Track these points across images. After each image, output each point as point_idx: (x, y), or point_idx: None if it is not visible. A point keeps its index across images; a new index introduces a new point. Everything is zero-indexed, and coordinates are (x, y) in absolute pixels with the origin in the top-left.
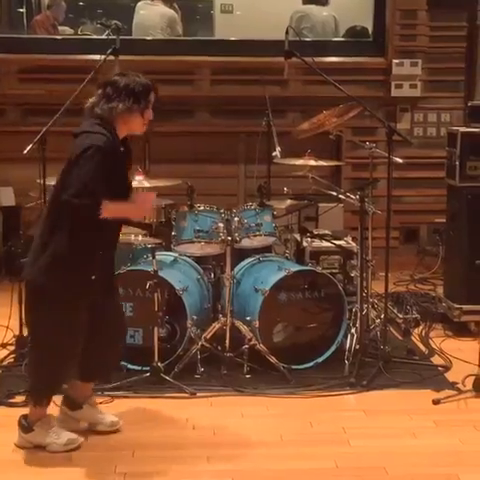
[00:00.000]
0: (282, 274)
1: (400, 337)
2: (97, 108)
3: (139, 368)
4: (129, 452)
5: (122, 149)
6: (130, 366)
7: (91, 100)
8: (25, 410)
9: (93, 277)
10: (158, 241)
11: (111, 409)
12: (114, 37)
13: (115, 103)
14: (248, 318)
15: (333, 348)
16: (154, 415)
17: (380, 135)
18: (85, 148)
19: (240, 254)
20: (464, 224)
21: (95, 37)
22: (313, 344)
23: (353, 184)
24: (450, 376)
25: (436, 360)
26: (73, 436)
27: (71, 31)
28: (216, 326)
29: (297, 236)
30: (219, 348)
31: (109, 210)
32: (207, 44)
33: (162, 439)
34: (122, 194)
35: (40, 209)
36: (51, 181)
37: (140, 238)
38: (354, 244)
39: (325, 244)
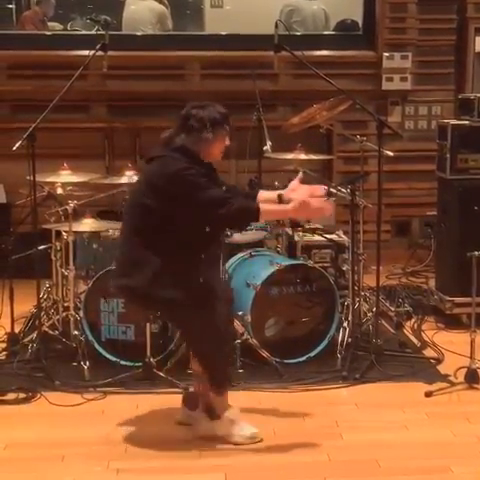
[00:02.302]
0: (274, 268)
1: (392, 330)
2: (178, 139)
3: (131, 364)
4: (122, 448)
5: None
6: (122, 362)
7: (169, 131)
8: (17, 407)
9: (201, 280)
10: None
11: (103, 405)
12: (103, 32)
13: (197, 134)
14: (240, 313)
15: (325, 342)
16: (146, 411)
17: (371, 128)
18: (180, 169)
19: (232, 249)
20: (455, 217)
21: (84, 32)
22: (305, 338)
23: (344, 178)
24: (442, 368)
25: (428, 353)
26: (255, 430)
27: (60, 27)
28: None
29: (288, 230)
30: None
31: (289, 212)
32: (197, 39)
33: (155, 435)
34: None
35: (31, 206)
36: (41, 177)
37: None
38: (345, 238)
39: (316, 238)
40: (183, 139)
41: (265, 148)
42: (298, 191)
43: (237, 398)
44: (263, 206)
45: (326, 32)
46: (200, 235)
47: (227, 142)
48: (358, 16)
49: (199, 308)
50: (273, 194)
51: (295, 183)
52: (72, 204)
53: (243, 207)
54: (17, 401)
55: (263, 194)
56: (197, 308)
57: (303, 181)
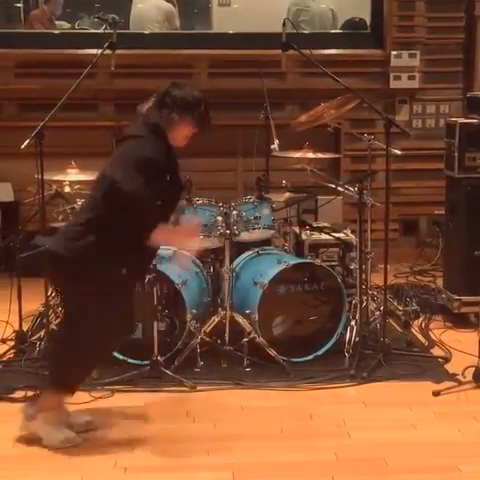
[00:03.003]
0: (281, 267)
1: (400, 329)
2: (152, 115)
3: (139, 362)
4: (129, 446)
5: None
6: (130, 360)
7: (146, 106)
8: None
9: (123, 271)
10: None
11: (111, 403)
12: (111, 31)
13: (170, 112)
14: (247, 311)
15: (333, 340)
16: (154, 409)
17: (378, 127)
18: (139, 158)
19: (239, 247)
20: (463, 215)
21: (92, 31)
22: (313, 337)
23: (352, 176)
24: (450, 367)
25: (436, 352)
26: (72, 435)
27: (68, 25)
28: (215, 320)
29: (296, 229)
30: (219, 341)
31: (159, 235)
32: (205, 37)
33: (162, 433)
34: (173, 197)
35: (39, 204)
36: (49, 176)
37: None
38: (353, 236)
39: (324, 237)
40: (155, 115)
41: (273, 146)
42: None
43: (245, 396)
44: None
45: (334, 31)
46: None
47: (194, 129)
48: (366, 14)
49: (104, 294)
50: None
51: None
52: (80, 202)
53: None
54: (25, 399)
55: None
56: (102, 294)
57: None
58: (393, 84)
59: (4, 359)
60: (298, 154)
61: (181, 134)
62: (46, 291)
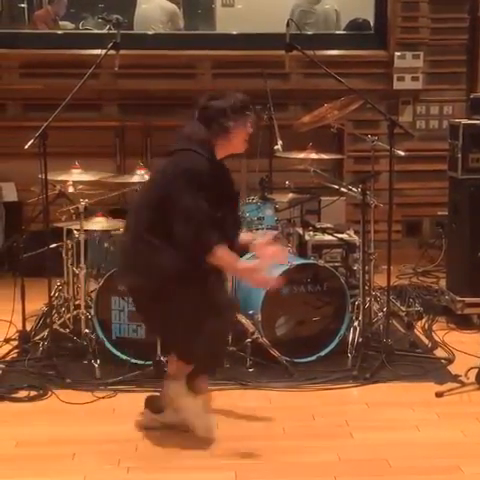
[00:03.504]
0: (284, 268)
1: (403, 330)
2: (200, 131)
3: (142, 362)
4: (132, 446)
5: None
6: (133, 360)
7: (188, 127)
8: (28, 405)
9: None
10: None
11: (114, 403)
12: (115, 31)
13: (217, 124)
14: (250, 312)
15: (336, 341)
16: None
17: (382, 128)
18: (185, 169)
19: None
20: (466, 216)
21: (96, 32)
22: (316, 337)
23: (355, 177)
24: (453, 369)
25: (439, 353)
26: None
27: (72, 26)
28: None
29: (299, 230)
30: None
31: (237, 270)
32: (208, 38)
33: (165, 433)
34: (227, 211)
35: (42, 204)
36: (52, 176)
37: None
38: (356, 237)
39: (327, 237)
40: (204, 131)
41: (276, 147)
42: (263, 251)
43: (247, 397)
44: (220, 251)
45: (337, 32)
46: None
47: (250, 129)
48: (370, 15)
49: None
50: (249, 237)
51: (265, 242)
52: (83, 203)
53: (202, 235)
54: (28, 399)
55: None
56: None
57: (275, 240)
58: (396, 85)
59: (7, 359)
60: (301, 155)
61: (238, 140)
62: (49, 291)
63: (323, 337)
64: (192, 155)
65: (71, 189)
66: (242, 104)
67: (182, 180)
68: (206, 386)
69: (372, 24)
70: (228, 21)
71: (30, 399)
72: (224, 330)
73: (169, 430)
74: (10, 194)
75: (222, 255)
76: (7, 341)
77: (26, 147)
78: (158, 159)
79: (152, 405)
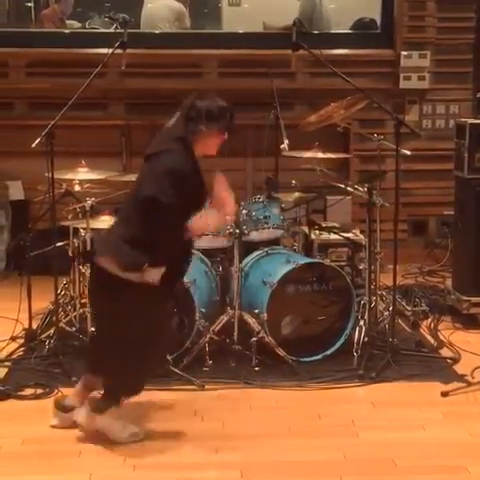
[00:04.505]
0: (290, 267)
1: (409, 329)
2: (178, 128)
3: None
4: (138, 444)
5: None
6: None
7: (171, 122)
8: (35, 403)
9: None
10: None
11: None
12: (122, 31)
13: (196, 124)
14: (256, 311)
15: (341, 340)
16: (163, 407)
17: (388, 127)
18: (168, 169)
19: (248, 247)
20: (472, 216)
21: (103, 31)
22: (321, 337)
23: (361, 176)
24: (459, 368)
25: (445, 352)
26: (136, 430)
27: (79, 25)
28: (224, 319)
29: (305, 229)
30: (227, 341)
31: (195, 229)
32: (215, 37)
33: (171, 431)
34: (198, 206)
35: (49, 203)
36: (59, 174)
37: None
38: (362, 237)
39: (333, 237)
40: (182, 129)
41: (282, 146)
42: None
43: (253, 396)
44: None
45: (344, 31)
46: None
47: (223, 138)
48: (376, 14)
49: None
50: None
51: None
52: (90, 201)
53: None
54: (34, 396)
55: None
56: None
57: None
58: (403, 84)
59: (14, 357)
60: (307, 154)
61: (211, 144)
62: (55, 289)
63: (329, 336)
64: (172, 155)
65: (77, 188)
66: (219, 111)
67: (164, 179)
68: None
69: (379, 23)
70: (234, 20)
71: (36, 397)
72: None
73: (174, 428)
74: (17, 193)
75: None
76: (13, 339)
77: (33, 146)
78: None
79: (60, 406)
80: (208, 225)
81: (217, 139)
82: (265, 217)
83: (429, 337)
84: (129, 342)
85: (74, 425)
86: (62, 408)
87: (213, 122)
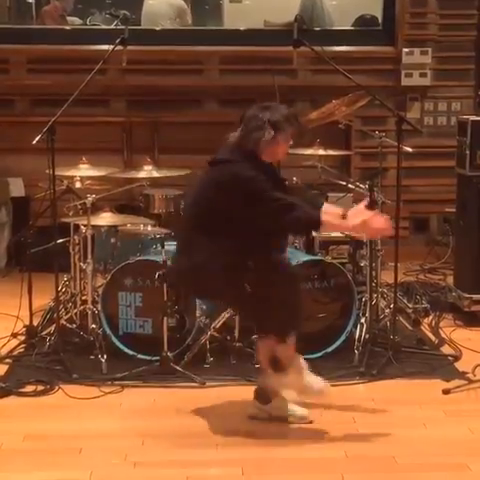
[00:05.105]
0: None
1: (410, 327)
2: (245, 141)
3: (149, 358)
4: (139, 441)
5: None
6: (140, 356)
7: (234, 134)
8: (35, 400)
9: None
10: (167, 231)
11: (121, 398)
12: (123, 27)
13: (259, 135)
14: None
15: (343, 338)
16: (164, 404)
17: (390, 124)
18: (235, 176)
19: None
20: (474, 213)
21: (104, 27)
22: (322, 334)
23: (362, 174)
24: (460, 366)
25: (446, 350)
26: (306, 412)
27: (80, 21)
28: (225, 316)
29: None
30: (228, 338)
31: (349, 228)
32: (216, 34)
33: (172, 428)
34: None
35: (50, 199)
36: (60, 171)
37: (149, 228)
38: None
39: (334, 234)
40: (246, 140)
41: None
42: (360, 215)
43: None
44: (326, 218)
45: (345, 27)
46: (259, 236)
47: (290, 142)
48: (378, 11)
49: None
50: (337, 210)
51: (360, 207)
52: (90, 198)
53: (307, 216)
54: (35, 393)
55: (327, 208)
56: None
57: (369, 206)
58: (404, 81)
59: (14, 354)
60: (309, 151)
61: (280, 151)
62: (56, 286)
63: (330, 333)
64: (236, 165)
65: (78, 184)
66: (284, 119)
67: (251, 186)
68: (292, 352)
69: (380, 20)
70: (236, 17)
71: (37, 394)
72: (293, 293)
73: (175, 426)
74: (18, 189)
75: (329, 221)
76: (14, 336)
77: (34, 142)
78: (200, 171)
79: (260, 396)
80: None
81: (285, 145)
82: None
83: (430, 334)
84: (273, 297)
85: (267, 417)
86: (260, 399)
87: (280, 131)
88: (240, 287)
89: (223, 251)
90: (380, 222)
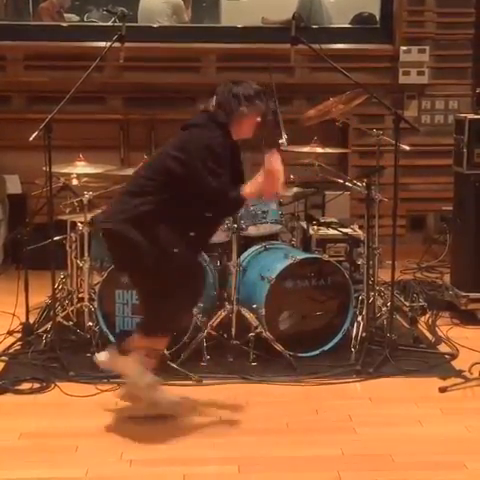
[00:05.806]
0: (288, 262)
1: (407, 325)
2: (217, 113)
3: None
4: (135, 439)
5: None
6: None
7: (205, 105)
8: (31, 397)
9: (192, 233)
10: None
11: (117, 396)
12: (120, 24)
13: (237, 107)
14: (254, 306)
15: (339, 336)
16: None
17: (387, 122)
18: (205, 145)
19: (246, 242)
20: (471, 212)
21: (101, 24)
22: (319, 332)
23: (360, 172)
24: (457, 364)
25: (443, 348)
26: (155, 378)
27: (77, 18)
28: (222, 314)
29: (303, 224)
30: (225, 336)
31: (248, 192)
32: (213, 31)
33: (168, 426)
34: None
35: (46, 197)
36: (57, 168)
37: None
38: (360, 232)
39: (331, 232)
40: (221, 113)
41: (281, 141)
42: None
43: (250, 391)
44: (245, 190)
45: (343, 25)
46: (196, 213)
47: (257, 120)
48: (375, 9)
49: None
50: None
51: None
52: (87, 195)
53: (231, 200)
54: (31, 391)
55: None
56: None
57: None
58: (402, 79)
59: (11, 351)
60: (306, 149)
61: (248, 125)
62: (53, 284)
63: (327, 332)
64: (208, 132)
65: (75, 182)
66: (256, 93)
67: (204, 154)
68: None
69: (378, 18)
70: (233, 14)
71: (33, 391)
72: (185, 296)
73: (172, 423)
74: (14, 187)
75: (247, 191)
76: (11, 333)
77: (31, 139)
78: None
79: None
80: (260, 187)
81: (252, 121)
82: (263, 212)
83: (427, 333)
84: (162, 285)
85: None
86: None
87: (251, 104)
88: (160, 262)
89: (169, 219)
90: (277, 162)
